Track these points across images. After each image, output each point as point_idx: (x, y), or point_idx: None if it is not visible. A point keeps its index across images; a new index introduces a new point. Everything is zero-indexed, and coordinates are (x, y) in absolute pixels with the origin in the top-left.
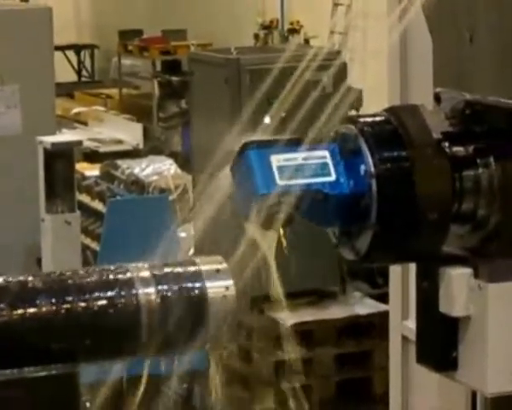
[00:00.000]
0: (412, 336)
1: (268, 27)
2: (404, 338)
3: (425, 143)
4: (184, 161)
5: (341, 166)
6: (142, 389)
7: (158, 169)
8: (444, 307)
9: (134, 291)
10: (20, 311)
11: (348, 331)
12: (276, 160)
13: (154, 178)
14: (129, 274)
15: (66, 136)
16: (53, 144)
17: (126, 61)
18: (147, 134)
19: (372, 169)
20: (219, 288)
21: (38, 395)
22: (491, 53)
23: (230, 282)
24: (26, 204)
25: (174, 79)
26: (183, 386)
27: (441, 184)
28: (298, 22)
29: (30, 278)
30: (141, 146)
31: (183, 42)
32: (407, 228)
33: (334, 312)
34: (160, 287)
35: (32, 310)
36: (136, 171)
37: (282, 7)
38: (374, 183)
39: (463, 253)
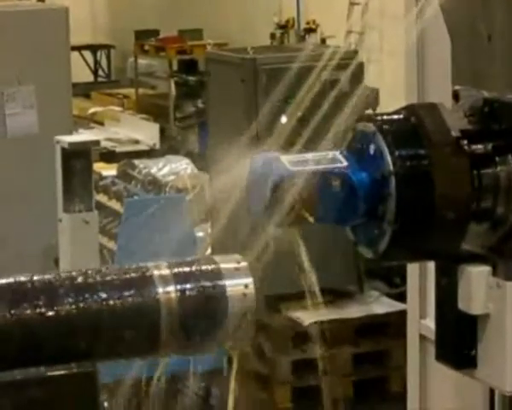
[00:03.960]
0: (430, 335)
1: (284, 27)
2: (422, 337)
3: (444, 141)
4: (201, 161)
5: (357, 162)
6: (160, 389)
7: (175, 169)
8: (463, 305)
9: (154, 290)
10: (40, 310)
11: (365, 330)
12: (286, 158)
13: (171, 177)
14: (149, 273)
15: (83, 136)
16: (70, 144)
17: (143, 61)
18: (163, 134)
19: (391, 167)
20: (239, 286)
21: (58, 394)
22: (509, 51)
23: (250, 280)
24: (44, 204)
25: (190, 78)
26: (201, 385)
27: (460, 183)
28: (314, 22)
29: (50, 278)
30: (157, 146)
31: (199, 41)
32: (426, 227)
33: (352, 311)
34: (179, 286)
35: (52, 309)
36: (153, 171)
37: (299, 6)
38: (393, 181)
39: (482, 251)
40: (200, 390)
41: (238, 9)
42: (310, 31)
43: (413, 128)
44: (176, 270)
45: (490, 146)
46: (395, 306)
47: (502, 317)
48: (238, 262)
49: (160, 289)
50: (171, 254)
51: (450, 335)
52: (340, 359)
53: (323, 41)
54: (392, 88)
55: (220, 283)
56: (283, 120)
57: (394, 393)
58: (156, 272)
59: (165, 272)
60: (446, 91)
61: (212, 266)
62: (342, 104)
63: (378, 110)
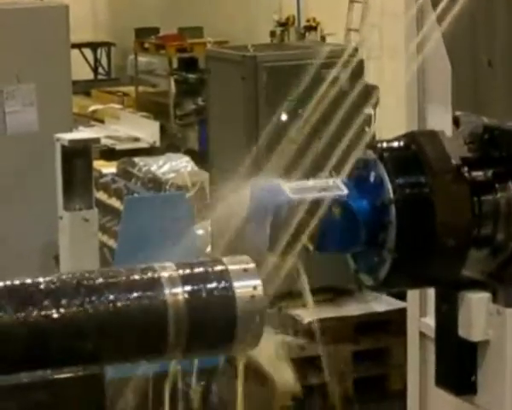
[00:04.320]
0: (430, 333)
1: (284, 25)
2: (422, 335)
3: (444, 169)
4: (201, 159)
5: (357, 190)
6: (162, 385)
7: (175, 167)
8: (463, 332)
9: (161, 291)
10: (46, 312)
11: (365, 328)
12: (287, 186)
13: (171, 175)
14: (156, 274)
15: (83, 133)
16: (70, 141)
17: (143, 59)
18: (163, 132)
19: (391, 195)
20: (247, 288)
21: (64, 397)
22: (509, 78)
23: (258, 281)
24: (44, 201)
25: (190, 76)
26: (200, 383)
27: (461, 211)
28: (314, 19)
29: (57, 279)
30: (158, 144)
31: (199, 39)
32: (426, 254)
33: (351, 309)
34: (187, 287)
35: (58, 311)
36: (153, 168)
37: (299, 4)
38: (393, 209)
39: (482, 277)
40: (200, 388)
41: (238, 7)
42: (310, 29)
43: (413, 156)
44: (183, 271)
45: (490, 173)
46: (395, 304)
47: (502, 343)
48: (246, 263)
49: (168, 291)
50: (170, 252)
51: (450, 360)
52: (339, 357)
53: (323, 39)
54: (392, 85)
55: (228, 284)
56: (283, 117)
57: (394, 391)
58: (164, 274)
59: (173, 273)
60: (447, 117)
61: (220, 268)
62: (342, 102)
63: (378, 108)
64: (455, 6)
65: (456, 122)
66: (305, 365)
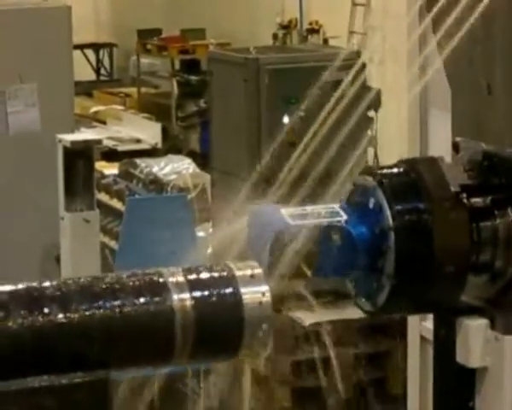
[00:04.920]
0: (430, 337)
1: (287, 27)
2: (423, 339)
3: (443, 196)
4: (203, 160)
5: (357, 216)
6: (158, 387)
7: (176, 168)
8: (461, 358)
9: (168, 297)
10: (53, 316)
11: (366, 332)
12: (286, 212)
13: (173, 177)
14: (163, 279)
15: (85, 134)
16: (72, 142)
17: (145, 60)
18: (165, 133)
19: (390, 222)
20: (255, 294)
21: (70, 402)
22: (508, 104)
23: (266, 288)
24: (45, 202)
25: (193, 78)
26: (199, 385)
27: (459, 238)
28: (317, 22)
29: (63, 283)
30: (159, 145)
31: (201, 41)
32: (425, 280)
33: (352, 312)
34: (194, 293)
35: (65, 316)
36: (155, 170)
37: (301, 6)
38: (392, 235)
39: (481, 303)
40: (199, 389)
41: (241, 9)
42: (312, 31)
43: (412, 183)
44: (190, 277)
45: (489, 200)
46: None
47: (500, 370)
48: (253, 269)
49: (175, 297)
50: (171, 254)
51: (448, 386)
52: (340, 359)
53: (326, 42)
54: (393, 88)
55: (236, 290)
56: (285, 119)
57: (394, 394)
58: (171, 279)
59: (180, 278)
60: (448, 122)
61: (227, 273)
62: (344, 105)
63: (380, 111)
64: (454, 32)
65: (455, 148)
66: (305, 367)
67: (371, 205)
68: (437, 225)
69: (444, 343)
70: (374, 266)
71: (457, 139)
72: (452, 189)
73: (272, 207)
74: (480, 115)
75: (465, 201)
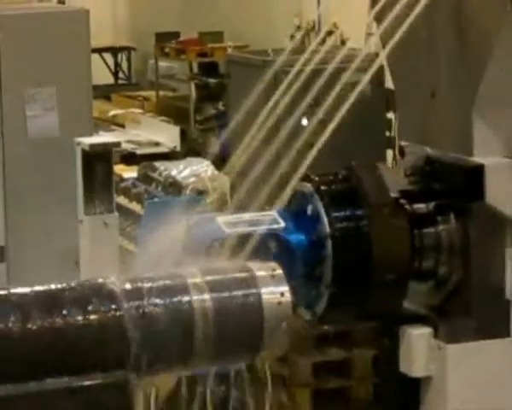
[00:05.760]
0: None
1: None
2: None
3: (382, 202)
4: (221, 163)
5: (295, 223)
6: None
7: (195, 171)
8: (404, 368)
9: (188, 298)
10: (71, 319)
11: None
12: (222, 220)
13: (192, 179)
14: (183, 280)
15: (104, 137)
16: (91, 146)
17: (163, 64)
18: (184, 136)
19: (327, 229)
20: (275, 294)
21: (91, 404)
22: (452, 109)
23: (286, 288)
24: (65, 206)
25: (211, 81)
26: (220, 387)
27: (399, 245)
28: (335, 24)
29: (82, 285)
30: (178, 148)
31: (219, 44)
32: (364, 288)
33: None
34: (213, 294)
35: (85, 317)
36: (174, 173)
37: (319, 8)
38: (329, 243)
39: (426, 311)
40: (219, 391)
41: (258, 12)
42: (330, 33)
43: (351, 189)
44: (210, 277)
45: (431, 206)
46: None
47: (443, 379)
48: (273, 270)
49: (195, 297)
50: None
51: (392, 396)
52: (359, 360)
53: (344, 43)
54: None
55: (255, 291)
56: (304, 122)
57: None
58: (190, 280)
59: (200, 279)
60: None
61: (247, 274)
62: (363, 106)
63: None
64: (397, 30)
65: (401, 152)
66: (325, 369)
67: (309, 212)
68: (375, 231)
69: (388, 352)
70: (312, 275)
71: (403, 143)
72: (392, 194)
73: (208, 216)
74: (425, 120)
75: (406, 206)
